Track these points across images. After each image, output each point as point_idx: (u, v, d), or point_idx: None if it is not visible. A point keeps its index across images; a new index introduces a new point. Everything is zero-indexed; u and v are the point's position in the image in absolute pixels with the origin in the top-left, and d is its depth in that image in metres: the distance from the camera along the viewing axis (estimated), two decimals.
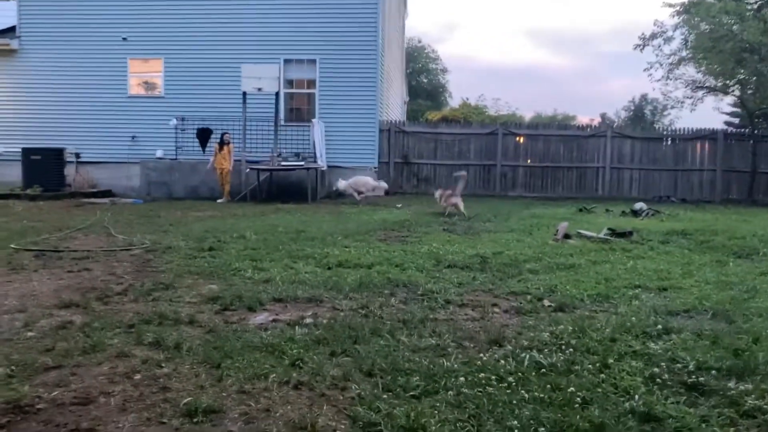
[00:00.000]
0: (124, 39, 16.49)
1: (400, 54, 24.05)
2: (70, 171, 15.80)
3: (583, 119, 46.64)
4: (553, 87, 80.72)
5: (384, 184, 14.43)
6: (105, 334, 3.57)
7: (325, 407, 2.62)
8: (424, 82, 46.18)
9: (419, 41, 46.17)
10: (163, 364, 3.10)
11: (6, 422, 2.42)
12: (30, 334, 3.62)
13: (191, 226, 9.30)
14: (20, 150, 15.17)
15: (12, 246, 6.96)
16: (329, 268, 5.82)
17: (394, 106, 21.47)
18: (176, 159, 15.60)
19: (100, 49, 16.61)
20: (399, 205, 13.29)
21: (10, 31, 17.08)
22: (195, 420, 2.46)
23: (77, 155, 16.21)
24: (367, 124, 16.78)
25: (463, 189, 11.60)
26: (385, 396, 2.73)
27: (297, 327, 3.80)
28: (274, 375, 2.94)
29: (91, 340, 3.44)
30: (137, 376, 2.94)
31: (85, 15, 16.61)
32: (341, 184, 14.01)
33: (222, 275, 5.47)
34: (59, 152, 15.25)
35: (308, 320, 4.00)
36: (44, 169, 14.84)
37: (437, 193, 11.89)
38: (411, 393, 2.77)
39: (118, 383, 2.85)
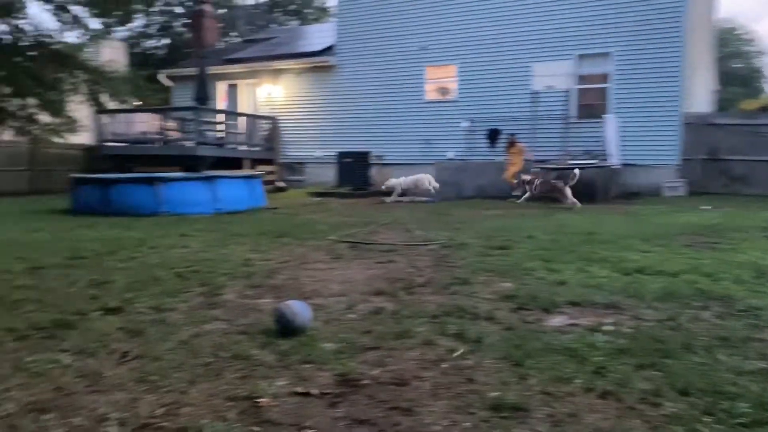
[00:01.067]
0: (423, 48, 17.72)
1: (707, 38, 21.51)
2: (374, 172, 17.57)
3: None
4: None
5: (432, 185, 13.82)
6: (412, 322, 3.86)
7: (636, 421, 2.46)
8: (737, 67, 40.63)
9: (731, 22, 40.76)
10: (466, 356, 3.25)
11: (340, 392, 2.77)
12: (351, 316, 4.09)
13: (481, 224, 9.59)
14: (335, 153, 17.40)
15: (331, 238, 7.99)
16: (627, 274, 5.45)
17: (700, 96, 19.29)
18: (466, 160, 16.25)
19: (401, 60, 18.13)
20: (707, 207, 11.90)
21: (329, 50, 19.64)
22: (502, 415, 2.51)
23: (380, 157, 17.96)
24: (667, 118, 15.40)
25: None
26: (705, 419, 2.46)
27: (597, 333, 3.64)
28: (577, 380, 2.86)
29: (401, 327, 3.75)
30: (444, 365, 3.12)
31: (390, 30, 18.29)
32: (391, 181, 13.61)
33: (514, 274, 5.51)
34: (365, 155, 17.08)
35: (608, 327, 3.80)
36: (353, 170, 16.79)
37: None
38: (738, 420, 2.45)
39: (427, 369, 3.06)
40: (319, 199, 15.36)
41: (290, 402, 2.65)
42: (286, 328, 3.56)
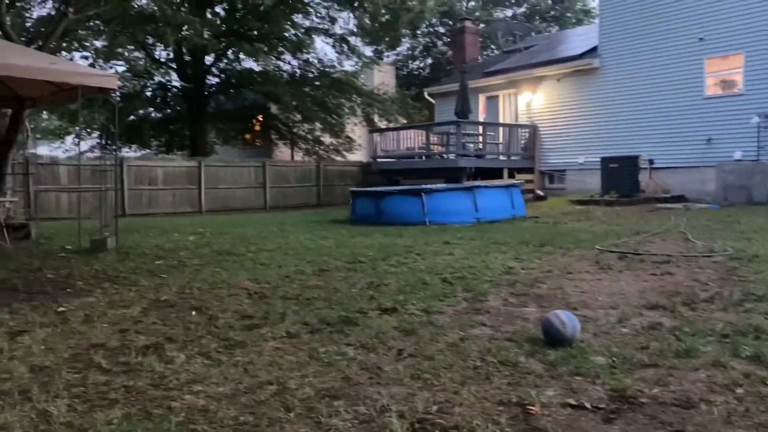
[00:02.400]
0: (701, 39, 15.97)
1: None
2: (643, 177, 16.29)
3: None
4: None
5: None
6: (697, 341, 3.47)
7: None
8: None
9: None
10: (767, 381, 2.81)
11: (614, 408, 2.60)
12: (623, 330, 3.83)
13: None
14: (599, 159, 16.54)
15: (597, 247, 7.60)
16: None
17: None
18: (758, 160, 14.17)
19: (674, 55, 16.56)
20: None
21: (591, 52, 18.80)
22: None
23: (650, 161, 16.59)
24: None
25: None
26: None
27: None
28: None
29: (684, 345, 3.39)
30: (739, 390, 2.74)
31: (659, 24, 16.84)
32: None
33: None
34: (634, 159, 15.91)
35: None
36: (620, 175, 15.76)
37: None
38: None
39: (718, 393, 2.72)
40: (581, 207, 14.74)
41: (562, 413, 2.57)
42: (554, 337, 3.47)
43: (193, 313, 4.56)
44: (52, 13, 18.69)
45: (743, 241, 7.73)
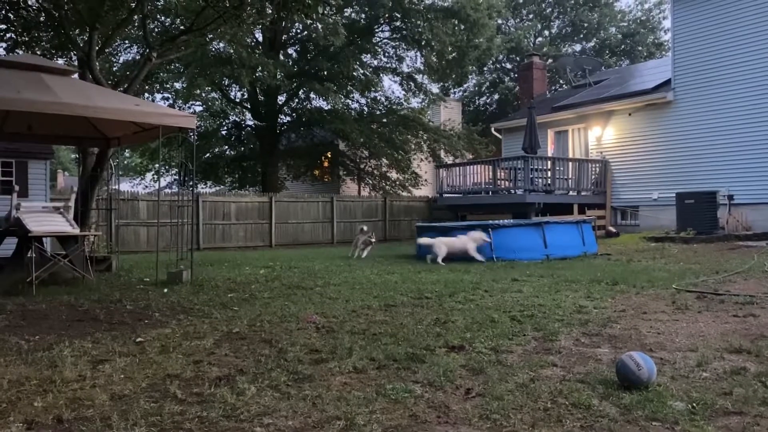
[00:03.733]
0: None
1: None
2: (722, 213, 15.58)
3: None
4: None
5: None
6: None
7: None
8: None
9: None
10: None
11: None
12: (704, 374, 3.65)
13: None
14: (674, 195, 15.95)
15: (674, 286, 7.29)
16: None
17: None
18: None
19: (751, 86, 15.93)
20: None
21: (665, 84, 18.33)
22: None
23: (730, 197, 15.87)
24: None
25: None
26: None
27: None
28: None
29: None
30: None
31: (735, 55, 16.28)
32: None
33: None
34: (712, 195, 15.26)
35: None
36: (697, 212, 15.12)
37: None
38: None
39: None
40: (656, 244, 14.21)
41: None
42: (629, 380, 3.35)
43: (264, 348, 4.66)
44: (137, 57, 19.96)
45: None
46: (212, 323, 5.61)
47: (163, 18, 18.48)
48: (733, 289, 7.03)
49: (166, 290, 7.86)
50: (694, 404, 3.08)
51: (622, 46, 38.87)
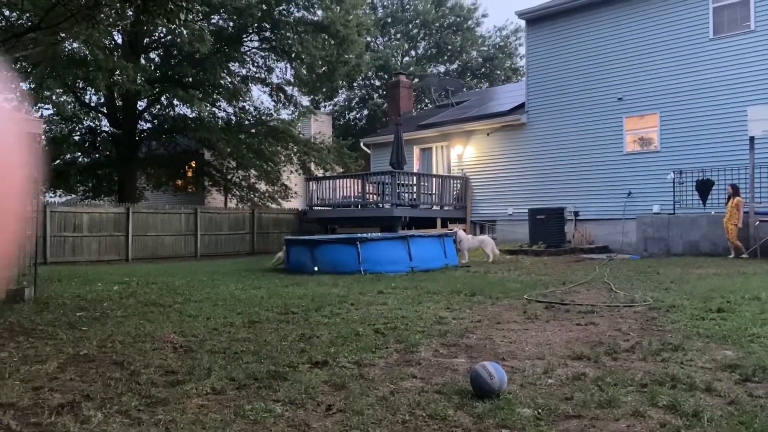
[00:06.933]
0: (620, 99, 16.99)
1: None
2: (569, 228, 16.92)
3: None
4: None
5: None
6: (618, 391, 3.58)
7: None
8: None
9: None
10: (682, 431, 2.92)
11: None
12: (549, 381, 3.91)
13: (694, 284, 8.72)
14: (527, 210, 17.10)
15: (525, 297, 7.79)
16: None
17: None
18: (674, 213, 15.01)
19: (596, 112, 17.53)
20: None
21: (520, 107, 19.66)
22: None
23: (575, 213, 17.29)
24: None
25: None
26: None
27: None
28: None
29: (606, 395, 3.49)
30: None
31: (583, 83, 17.85)
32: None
33: (737, 341, 4.89)
34: (560, 211, 16.53)
35: None
36: (547, 226, 16.31)
37: None
38: None
39: None
40: (511, 256, 15.13)
41: None
42: (482, 389, 3.51)
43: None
44: None
45: (662, 291, 8.10)
46: (57, 345, 5.17)
47: (8, 12, 16.91)
48: (577, 299, 7.62)
49: (3, 310, 7.13)
50: (540, 410, 3.28)
51: (483, 69, 41.22)
